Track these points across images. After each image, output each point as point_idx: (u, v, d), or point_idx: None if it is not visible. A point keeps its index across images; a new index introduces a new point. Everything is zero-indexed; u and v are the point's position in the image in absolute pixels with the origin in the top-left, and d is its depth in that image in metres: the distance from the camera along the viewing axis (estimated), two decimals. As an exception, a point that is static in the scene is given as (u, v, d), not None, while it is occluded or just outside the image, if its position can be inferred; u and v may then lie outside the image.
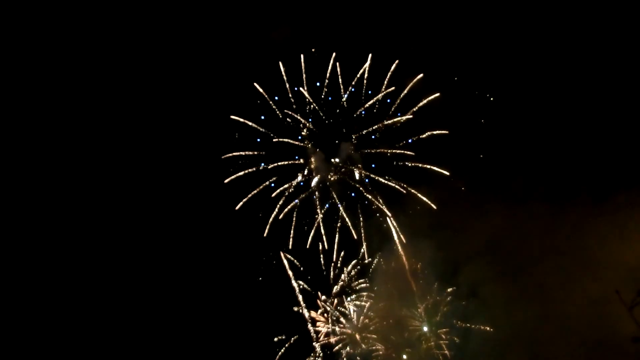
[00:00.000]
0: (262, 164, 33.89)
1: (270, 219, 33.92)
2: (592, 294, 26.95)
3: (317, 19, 34.59)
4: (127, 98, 34.92)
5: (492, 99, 34.34)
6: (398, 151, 33.72)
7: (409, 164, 33.50)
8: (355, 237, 34.43)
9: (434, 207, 32.88)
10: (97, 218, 34.96)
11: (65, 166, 34.01)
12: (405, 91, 33.32)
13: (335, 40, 33.84)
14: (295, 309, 35.54)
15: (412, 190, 33.32)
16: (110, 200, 35.28)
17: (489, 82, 34.53)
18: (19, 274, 32.22)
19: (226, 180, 33.67)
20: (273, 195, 33.92)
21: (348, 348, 35.33)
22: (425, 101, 33.04)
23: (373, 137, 34.44)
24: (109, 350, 33.54)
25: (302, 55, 33.31)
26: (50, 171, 33.66)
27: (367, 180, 34.41)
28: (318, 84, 33.91)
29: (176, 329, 35.13)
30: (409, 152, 33.46)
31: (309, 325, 35.51)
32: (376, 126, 34.10)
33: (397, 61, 33.10)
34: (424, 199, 33.04)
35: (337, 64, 33.50)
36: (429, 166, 33.05)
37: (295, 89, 33.67)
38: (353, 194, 34.70)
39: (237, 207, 33.66)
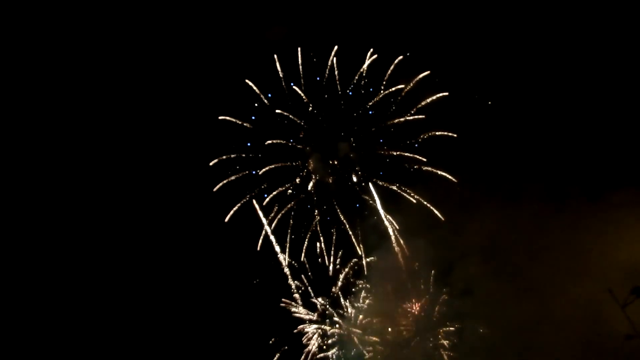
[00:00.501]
0: (255, 171, 33.50)
1: (265, 226, 33.88)
2: (586, 292, 27.06)
3: (314, 17, 34.10)
4: (114, 97, 34.32)
5: (490, 102, 34.29)
6: (407, 154, 33.46)
7: (414, 167, 33.27)
8: (353, 238, 34.58)
9: (442, 217, 32.94)
10: (91, 219, 34.69)
11: (51, 171, 33.48)
12: (406, 89, 33.07)
13: (332, 38, 33.40)
14: (293, 309, 35.58)
15: (421, 199, 33.18)
16: (99, 202, 34.92)
17: (485, 81, 34.61)
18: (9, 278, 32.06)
19: (215, 188, 33.39)
20: (265, 203, 33.77)
21: (344, 348, 35.39)
22: (426, 101, 32.88)
23: (381, 140, 34.11)
24: (103, 350, 33.55)
25: (299, 49, 32.68)
26: (34, 174, 33.21)
27: (364, 183, 34.32)
28: (318, 78, 33.41)
29: (173, 330, 35.15)
30: (421, 157, 33.22)
31: (306, 327, 35.55)
32: (374, 129, 33.92)
33: (400, 57, 32.68)
34: (434, 210, 32.99)
35: (335, 59, 32.89)
36: (437, 171, 32.89)
37: (292, 84, 33.13)
38: (350, 196, 34.64)
39: (227, 219, 33.49)
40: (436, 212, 32.94)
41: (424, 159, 33.10)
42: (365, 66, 33.11)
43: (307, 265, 35.25)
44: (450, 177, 32.78)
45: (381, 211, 34.06)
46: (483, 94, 34.75)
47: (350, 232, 34.67)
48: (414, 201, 33.26)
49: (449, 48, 33.97)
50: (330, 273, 35.61)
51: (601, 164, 31.46)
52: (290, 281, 35.43)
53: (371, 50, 32.81)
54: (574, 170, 31.85)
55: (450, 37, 34.22)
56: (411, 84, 33.02)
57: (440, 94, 32.74)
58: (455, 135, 32.78)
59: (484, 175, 33.37)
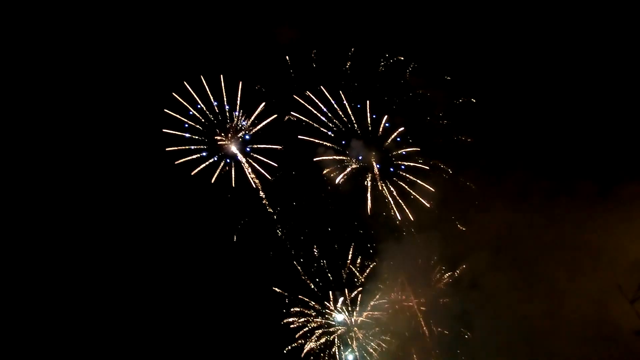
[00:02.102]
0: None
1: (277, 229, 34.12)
2: (595, 288, 27.28)
3: (324, 21, 33.87)
4: (118, 101, 33.83)
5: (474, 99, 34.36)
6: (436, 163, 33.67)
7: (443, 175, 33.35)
8: (364, 238, 35.02)
9: (463, 228, 33.39)
10: (94, 219, 34.17)
11: (65, 181, 32.97)
12: (423, 93, 33.13)
13: (345, 42, 33.42)
14: (305, 310, 35.74)
15: (448, 212, 33.52)
16: (115, 207, 34.58)
17: (491, 75, 34.65)
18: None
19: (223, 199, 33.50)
20: (277, 209, 33.85)
21: (352, 348, 35.83)
22: (447, 105, 33.35)
23: (398, 139, 34.13)
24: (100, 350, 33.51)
25: (314, 51, 32.66)
26: (40, 178, 32.55)
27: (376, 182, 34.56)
28: (331, 80, 33.34)
29: (178, 332, 35.13)
30: (444, 165, 33.38)
31: (316, 327, 36.02)
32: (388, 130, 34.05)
33: (413, 64, 32.89)
34: (455, 220, 33.29)
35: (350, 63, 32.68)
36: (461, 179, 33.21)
37: (307, 93, 33.03)
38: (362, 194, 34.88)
39: (234, 239, 33.71)
40: (458, 224, 33.55)
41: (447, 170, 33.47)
42: (379, 69, 33.40)
43: (323, 263, 35.60)
44: (466, 181, 33.12)
45: (393, 209, 34.52)
46: (491, 92, 34.89)
47: (362, 231, 35.17)
48: (427, 204, 33.66)
49: (456, 48, 34.20)
50: (344, 272, 35.99)
51: (609, 159, 31.62)
52: (302, 280, 35.71)
53: (386, 55, 33.09)
54: (582, 166, 31.96)
55: (458, 37, 34.41)
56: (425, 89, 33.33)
57: (465, 99, 32.93)
58: (471, 140, 33.07)
59: (493, 171, 33.69)
